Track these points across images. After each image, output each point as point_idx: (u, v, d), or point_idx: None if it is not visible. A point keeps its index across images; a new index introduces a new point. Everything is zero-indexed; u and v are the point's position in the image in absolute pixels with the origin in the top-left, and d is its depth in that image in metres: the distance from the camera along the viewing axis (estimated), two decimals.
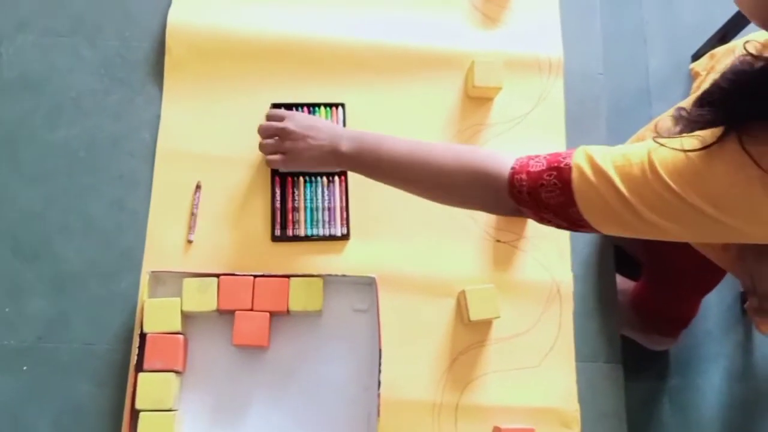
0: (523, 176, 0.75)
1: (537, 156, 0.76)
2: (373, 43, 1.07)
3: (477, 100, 1.07)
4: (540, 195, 0.74)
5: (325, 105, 1.03)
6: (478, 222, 1.02)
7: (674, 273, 1.15)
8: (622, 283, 1.28)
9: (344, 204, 1.00)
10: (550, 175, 0.73)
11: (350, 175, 1.01)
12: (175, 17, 1.05)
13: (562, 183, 0.72)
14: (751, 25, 1.41)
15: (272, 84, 1.04)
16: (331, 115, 1.03)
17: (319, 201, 1.00)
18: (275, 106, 1.02)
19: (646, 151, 0.68)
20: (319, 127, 0.91)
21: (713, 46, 1.48)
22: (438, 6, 1.11)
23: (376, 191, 1.00)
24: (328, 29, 1.07)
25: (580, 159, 0.71)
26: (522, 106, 1.07)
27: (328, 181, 1.00)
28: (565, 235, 1.03)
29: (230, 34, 1.05)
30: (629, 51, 1.54)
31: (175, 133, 1.02)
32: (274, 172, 1.00)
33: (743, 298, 1.39)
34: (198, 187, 0.99)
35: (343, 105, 1.04)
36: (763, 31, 0.89)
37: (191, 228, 0.97)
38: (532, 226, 1.02)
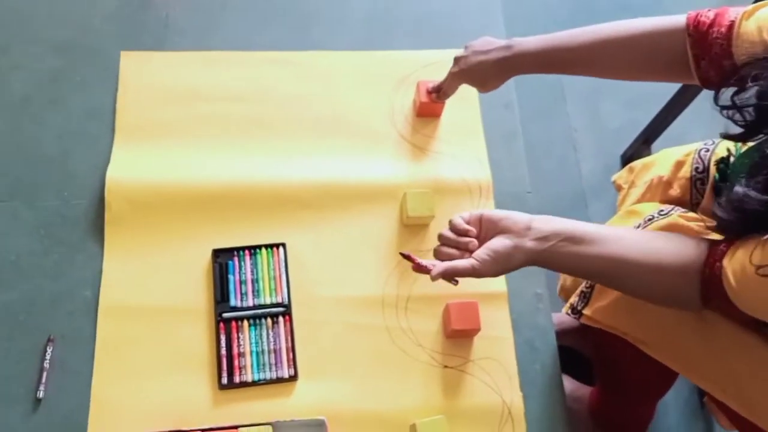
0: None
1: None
2: (309, 181, 1.10)
3: (413, 227, 1.10)
4: None
5: (266, 246, 1.06)
6: (425, 348, 1.03)
7: (625, 380, 1.16)
8: (578, 389, 1.28)
9: (290, 345, 1.00)
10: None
11: (294, 314, 1.02)
12: (113, 173, 1.07)
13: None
14: (670, 130, 1.51)
15: (212, 230, 1.06)
16: (273, 256, 1.05)
17: (265, 344, 1.00)
18: (216, 252, 1.04)
19: None
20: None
21: (638, 148, 1.57)
22: (370, 140, 1.16)
23: (321, 330, 1.02)
24: (264, 172, 1.10)
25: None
26: None
27: (273, 323, 1.01)
28: (511, 354, 1.04)
29: (168, 186, 1.07)
30: (561, 158, 1.63)
31: (118, 287, 1.02)
32: (218, 319, 1.00)
33: (701, 390, 1.40)
34: (50, 340, 0.97)
35: (284, 245, 1.06)
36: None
37: (40, 383, 0.95)
38: (477, 349, 1.04)
